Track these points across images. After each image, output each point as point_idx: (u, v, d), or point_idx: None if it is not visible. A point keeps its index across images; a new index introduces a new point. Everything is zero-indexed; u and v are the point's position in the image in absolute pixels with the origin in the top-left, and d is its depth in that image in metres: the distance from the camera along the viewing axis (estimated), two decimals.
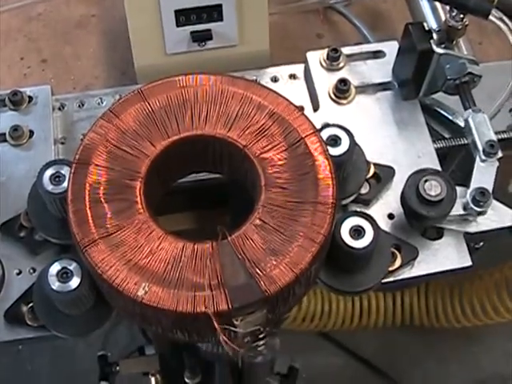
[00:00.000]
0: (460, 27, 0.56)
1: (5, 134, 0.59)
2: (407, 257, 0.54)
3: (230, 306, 0.44)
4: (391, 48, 0.63)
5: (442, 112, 0.63)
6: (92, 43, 0.71)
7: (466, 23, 0.56)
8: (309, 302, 1.48)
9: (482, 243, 0.60)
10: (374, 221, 0.50)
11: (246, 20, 0.61)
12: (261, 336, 0.64)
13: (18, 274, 0.54)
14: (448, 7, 0.56)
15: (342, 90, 0.61)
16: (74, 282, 0.47)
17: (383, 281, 0.54)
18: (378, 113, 0.61)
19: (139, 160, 0.48)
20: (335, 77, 0.62)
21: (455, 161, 0.63)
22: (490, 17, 0.54)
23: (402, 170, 0.57)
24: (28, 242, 0.55)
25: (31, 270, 0.54)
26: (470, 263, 0.55)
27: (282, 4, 0.68)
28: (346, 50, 0.63)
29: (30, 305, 0.52)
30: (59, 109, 0.62)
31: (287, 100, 0.51)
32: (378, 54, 0.64)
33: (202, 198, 0.63)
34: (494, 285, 1.32)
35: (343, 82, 0.61)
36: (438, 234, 0.56)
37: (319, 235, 0.46)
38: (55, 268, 0.48)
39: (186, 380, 0.84)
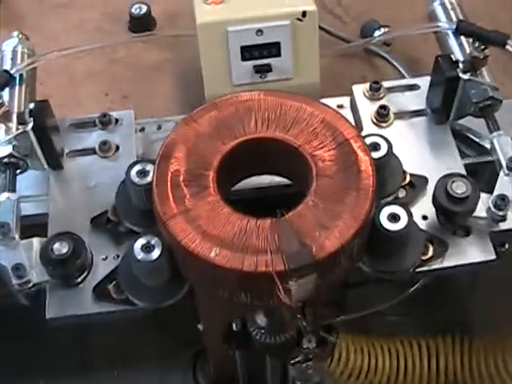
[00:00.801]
0: (482, 57, 0.66)
1: (94, 148, 0.70)
2: (438, 249, 0.63)
3: (286, 267, 0.52)
4: (425, 82, 0.74)
5: (470, 136, 0.72)
6: (166, 83, 0.82)
7: (488, 54, 0.66)
8: (355, 358, 1.54)
9: (507, 246, 0.67)
10: (409, 210, 0.58)
11: (300, 56, 0.72)
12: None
13: (104, 259, 0.64)
14: (471, 40, 0.66)
15: (382, 115, 0.71)
16: (155, 253, 0.56)
17: (418, 270, 0.62)
18: (413, 135, 0.71)
19: (212, 155, 0.59)
20: (376, 105, 0.72)
21: (482, 177, 0.71)
22: (507, 46, 0.65)
23: (434, 180, 0.65)
24: (113, 233, 0.65)
25: (115, 256, 0.64)
26: (494, 257, 0.63)
27: (329, 47, 0.79)
28: (386, 84, 0.74)
29: (115, 282, 0.61)
30: (140, 131, 0.73)
31: (335, 110, 0.61)
32: (413, 87, 0.74)
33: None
34: None
35: (383, 107, 0.71)
36: (466, 232, 0.64)
37: (361, 214, 0.55)
38: (140, 242, 0.57)
39: None
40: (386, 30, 0.82)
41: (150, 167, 0.61)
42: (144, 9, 0.85)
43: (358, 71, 0.81)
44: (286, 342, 0.71)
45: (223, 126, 0.60)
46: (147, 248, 0.57)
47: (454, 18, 0.71)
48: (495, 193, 0.62)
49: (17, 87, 0.67)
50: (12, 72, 0.66)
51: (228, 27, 0.70)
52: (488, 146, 0.71)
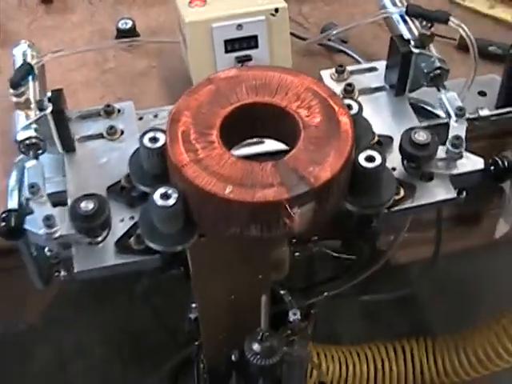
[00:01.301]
0: (429, 34, 0.79)
1: (102, 133, 0.80)
2: (408, 191, 0.74)
3: (290, 196, 0.63)
4: (381, 65, 0.86)
5: (425, 106, 0.85)
6: (154, 85, 0.93)
7: (433, 31, 0.79)
8: (327, 366, 1.63)
9: (464, 194, 0.79)
10: (382, 153, 0.70)
11: (275, 46, 0.84)
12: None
13: (121, 220, 0.73)
14: (419, 20, 0.79)
15: (348, 91, 0.82)
16: (172, 200, 0.66)
17: (393, 209, 0.73)
18: (376, 106, 0.82)
19: (213, 118, 0.69)
20: (342, 85, 0.84)
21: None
22: (450, 22, 0.78)
23: (397, 139, 0.77)
24: (127, 199, 0.74)
25: (131, 218, 0.73)
26: (454, 195, 0.75)
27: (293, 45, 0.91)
28: (349, 68, 0.86)
29: (135, 235, 0.71)
30: (139, 119, 0.83)
31: (310, 76, 0.72)
32: (372, 69, 0.87)
33: None
34: (494, 334, 1.49)
35: (349, 85, 0.83)
36: (430, 177, 0.76)
37: (345, 151, 0.66)
38: (159, 191, 0.66)
39: None
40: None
41: (159, 134, 0.71)
42: (130, 23, 0.96)
43: (320, 66, 0.92)
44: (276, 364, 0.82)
45: (219, 95, 0.71)
46: (165, 196, 0.66)
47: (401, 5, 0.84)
48: (450, 135, 0.74)
49: (34, 78, 0.77)
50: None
51: (212, 24, 0.82)
52: (440, 113, 0.83)
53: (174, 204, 0.66)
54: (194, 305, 1.08)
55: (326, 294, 1.09)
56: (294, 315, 0.99)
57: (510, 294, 1.65)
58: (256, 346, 0.82)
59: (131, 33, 0.96)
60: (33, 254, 0.81)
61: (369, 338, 1.67)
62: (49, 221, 0.68)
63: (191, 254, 0.83)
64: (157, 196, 0.66)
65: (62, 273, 0.88)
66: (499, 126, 0.89)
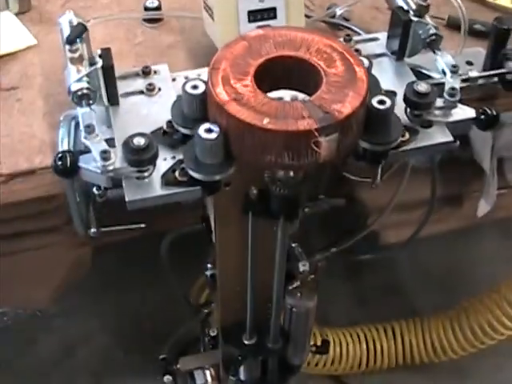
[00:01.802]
0: (426, 5, 0.92)
1: (142, 90, 0.91)
2: (412, 134, 0.86)
3: (318, 126, 0.74)
4: (383, 35, 0.99)
5: (423, 70, 0.97)
6: (181, 56, 1.04)
7: (429, 2, 0.92)
8: None
9: (458, 142, 0.91)
10: (392, 98, 0.82)
11: (291, 17, 0.97)
12: None
13: (164, 159, 0.83)
14: None
15: None
16: (214, 134, 0.77)
17: (400, 149, 0.85)
18: (380, 68, 0.94)
19: (247, 67, 0.80)
20: None
21: None
22: None
23: (400, 94, 0.89)
24: (169, 141, 0.85)
25: (173, 157, 0.84)
26: (452, 138, 0.87)
27: None
28: (355, 38, 0.98)
29: (179, 169, 0.81)
30: (172, 80, 0.95)
31: (327, 35, 0.84)
32: (374, 39, 0.99)
33: None
34: (487, 308, 1.61)
35: (357, 50, 0.95)
36: (429, 124, 0.88)
37: (362, 92, 0.77)
38: (203, 126, 0.77)
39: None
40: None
41: (199, 83, 0.82)
42: (156, 2, 1.08)
43: None
44: (298, 195, 0.87)
45: (251, 49, 0.82)
46: (209, 130, 0.77)
47: None
48: (446, 87, 0.86)
49: (85, 38, 0.88)
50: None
51: None
52: (435, 75, 0.96)
53: (217, 137, 0.77)
54: (209, 265, 1.19)
55: (333, 250, 1.21)
56: (303, 266, 1.11)
57: (491, 276, 1.76)
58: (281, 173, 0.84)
59: (158, 10, 1.07)
60: (77, 199, 0.91)
61: (358, 323, 1.78)
62: (105, 154, 0.79)
63: (215, 202, 0.94)
64: (201, 130, 0.77)
65: (93, 229, 0.99)
66: (484, 92, 1.01)
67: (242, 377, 1.24)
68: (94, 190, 0.85)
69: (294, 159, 0.77)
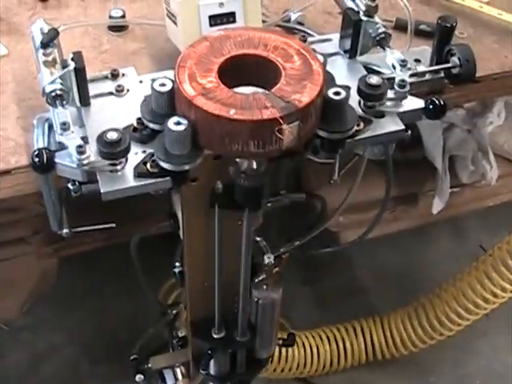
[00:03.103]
0: (374, 5, 0.99)
1: (111, 91, 0.96)
2: (367, 123, 0.92)
3: (281, 114, 0.80)
4: (335, 36, 1.05)
5: (374, 67, 1.04)
6: (145, 61, 1.10)
7: (377, 3, 1.00)
8: (287, 351, 1.77)
9: (409, 132, 0.98)
10: (346, 89, 0.88)
11: (249, 21, 1.03)
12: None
13: (136, 154, 0.88)
14: None
15: None
16: (183, 126, 0.83)
17: (356, 138, 0.91)
18: (334, 66, 1.01)
19: (211, 65, 0.86)
20: None
21: None
22: None
23: (354, 88, 0.96)
24: (140, 137, 0.89)
25: (143, 151, 0.89)
26: (403, 127, 0.94)
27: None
28: (309, 39, 1.05)
29: (150, 161, 0.86)
30: (139, 82, 1.00)
31: (284, 33, 0.91)
32: (327, 40, 1.06)
33: None
34: (444, 302, 1.68)
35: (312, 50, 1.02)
36: (382, 115, 0.95)
37: (319, 83, 0.84)
38: (173, 119, 0.83)
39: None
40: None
41: (166, 81, 0.87)
42: (120, 12, 1.13)
43: None
44: (261, 186, 0.91)
45: (213, 49, 0.88)
46: (177, 123, 0.83)
47: None
48: (396, 80, 0.93)
49: (57, 43, 0.93)
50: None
51: (199, 2, 1.00)
52: (385, 71, 1.03)
53: (185, 129, 0.83)
54: (177, 263, 1.24)
55: (297, 243, 1.26)
56: (268, 258, 1.16)
57: (446, 272, 1.83)
58: (245, 165, 0.89)
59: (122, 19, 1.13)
60: (52, 196, 0.96)
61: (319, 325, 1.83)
62: (81, 148, 0.84)
63: (183, 197, 1.00)
64: (171, 123, 0.83)
65: (65, 230, 1.04)
66: (431, 87, 1.08)
67: (212, 371, 1.28)
68: (69, 185, 0.90)
69: (259, 147, 0.83)
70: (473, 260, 1.68)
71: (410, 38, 1.03)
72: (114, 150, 0.84)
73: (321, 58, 0.92)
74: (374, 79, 0.91)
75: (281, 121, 0.80)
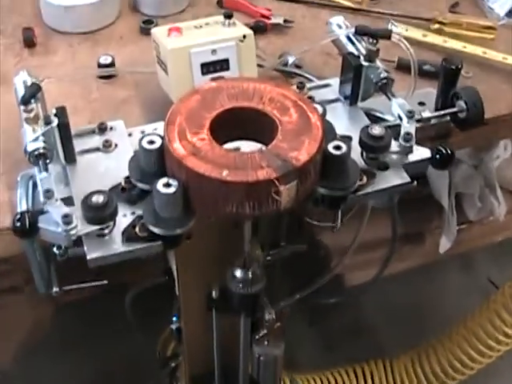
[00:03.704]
0: (375, 50, 0.94)
1: (98, 147, 0.91)
2: (370, 177, 0.87)
3: (278, 175, 0.75)
4: (335, 81, 1.00)
5: (376, 113, 0.99)
6: (136, 111, 1.04)
7: (378, 47, 0.94)
8: None
9: (415, 183, 0.92)
10: (348, 143, 0.83)
11: (243, 68, 0.98)
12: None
13: (124, 216, 0.83)
14: (366, 38, 0.94)
15: None
16: (173, 188, 0.77)
17: (358, 193, 0.85)
18: (334, 114, 0.96)
19: (202, 120, 0.81)
20: None
21: None
22: (392, 38, 0.93)
23: (355, 138, 0.90)
24: (128, 197, 0.84)
25: (132, 213, 0.83)
26: (409, 180, 0.88)
27: None
28: (307, 85, 1.00)
29: (139, 224, 0.81)
30: (129, 135, 0.95)
31: (280, 83, 0.86)
32: (327, 85, 1.01)
33: None
34: (455, 343, 1.61)
35: (310, 97, 0.96)
36: (386, 167, 0.89)
37: (318, 139, 0.78)
38: (162, 181, 0.77)
39: None
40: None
41: (155, 138, 0.82)
42: (109, 59, 1.08)
43: None
44: (258, 294, 0.91)
45: (204, 102, 0.83)
46: (167, 185, 0.77)
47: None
48: (402, 132, 0.88)
49: (40, 97, 0.87)
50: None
51: (190, 50, 0.95)
52: (388, 117, 0.98)
53: (175, 191, 0.77)
54: (174, 318, 1.18)
55: (297, 296, 1.21)
56: (269, 315, 1.10)
57: (455, 309, 1.78)
58: (239, 273, 0.90)
59: (111, 66, 1.08)
60: (37, 259, 0.90)
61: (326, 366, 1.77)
62: (67, 218, 0.78)
63: (178, 255, 0.94)
64: (160, 185, 0.77)
65: (55, 289, 0.98)
66: (437, 131, 1.03)
67: None
68: (55, 249, 0.84)
69: (255, 209, 0.77)
70: (483, 294, 1.62)
71: (414, 83, 0.97)
72: (100, 215, 0.79)
73: (320, 108, 0.87)
74: (376, 130, 0.86)
75: (277, 182, 0.75)
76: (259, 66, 1.08)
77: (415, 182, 0.91)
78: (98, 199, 0.78)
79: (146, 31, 1.16)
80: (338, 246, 1.44)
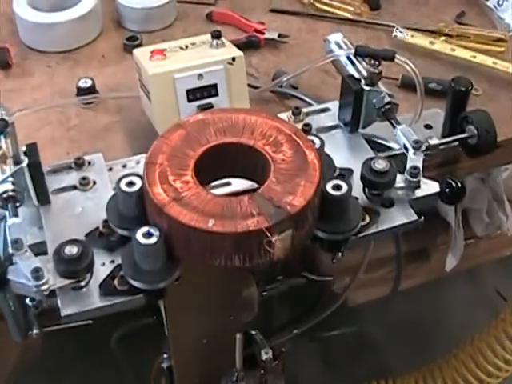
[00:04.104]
0: (378, 72, 0.86)
1: (75, 185, 0.83)
2: (373, 216, 0.79)
3: (270, 224, 0.67)
4: (334, 105, 0.92)
5: (378, 140, 0.90)
6: (118, 139, 0.96)
7: (381, 69, 0.86)
8: None
9: (422, 218, 0.84)
10: (349, 182, 0.75)
11: (233, 93, 0.89)
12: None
13: (102, 265, 0.75)
14: (367, 59, 0.86)
15: (306, 130, 0.87)
16: (154, 238, 0.69)
17: (360, 235, 0.77)
18: (333, 143, 0.88)
19: (187, 160, 0.73)
20: (299, 126, 0.89)
21: None
22: (396, 60, 0.85)
23: (357, 172, 0.82)
24: (106, 244, 0.76)
25: (111, 261, 0.75)
26: (415, 218, 0.80)
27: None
28: (304, 109, 0.91)
29: (119, 275, 0.73)
30: (109, 170, 0.86)
31: (272, 115, 0.77)
32: (325, 110, 0.92)
33: None
34: (461, 363, 1.53)
35: (307, 125, 0.88)
36: (390, 203, 0.81)
37: (315, 179, 0.70)
38: (141, 230, 0.69)
39: None
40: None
41: (135, 178, 0.74)
42: (89, 82, 1.00)
43: (275, 112, 0.96)
44: None
45: (190, 138, 0.75)
46: (147, 235, 0.69)
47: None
48: (408, 166, 0.80)
49: (9, 134, 0.79)
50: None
51: (174, 75, 0.86)
52: (392, 145, 0.89)
53: (156, 242, 0.69)
54: (165, 355, 1.10)
55: (296, 331, 1.13)
56: (266, 354, 1.02)
57: (463, 322, 1.70)
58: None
59: (91, 91, 1.00)
60: (11, 307, 0.82)
61: None
62: (37, 272, 0.70)
63: (166, 298, 0.86)
64: (139, 235, 0.69)
65: (35, 331, 0.90)
66: (445, 156, 0.95)
67: None
68: (28, 301, 0.76)
69: (245, 261, 0.69)
70: (490, 306, 1.54)
71: (420, 109, 0.89)
72: (74, 268, 0.71)
73: (317, 141, 0.79)
74: (380, 164, 0.78)
75: (269, 234, 0.67)
76: (252, 86, 1.00)
77: (422, 218, 0.83)
78: (72, 250, 0.70)
79: (129, 49, 1.08)
80: (340, 267, 1.36)
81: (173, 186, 0.70)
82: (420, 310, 1.91)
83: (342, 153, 0.87)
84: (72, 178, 0.84)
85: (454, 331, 1.71)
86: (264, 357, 1.02)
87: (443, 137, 0.91)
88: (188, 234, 0.68)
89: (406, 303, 1.86)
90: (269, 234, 0.66)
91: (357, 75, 0.88)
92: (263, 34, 1.12)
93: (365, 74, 0.87)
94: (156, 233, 0.69)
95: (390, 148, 0.90)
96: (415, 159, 0.81)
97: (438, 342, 1.77)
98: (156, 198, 0.69)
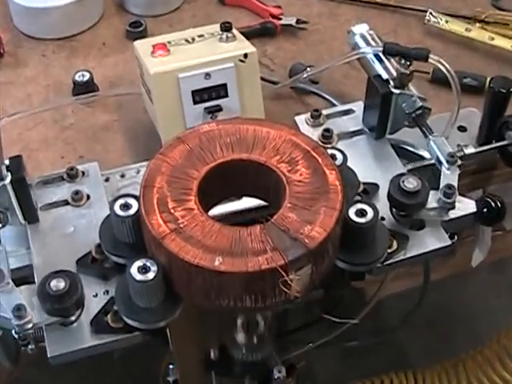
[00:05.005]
0: (409, 73, 0.75)
1: (66, 199, 0.74)
2: (401, 242, 0.69)
3: (286, 261, 0.57)
4: (358, 106, 0.82)
5: (407, 147, 0.81)
6: (117, 140, 0.87)
7: (412, 70, 0.76)
8: None
9: (456, 238, 0.75)
10: (374, 205, 0.65)
11: (245, 94, 0.79)
12: None
13: (95, 296, 0.67)
14: (397, 59, 0.76)
15: (326, 137, 0.78)
16: (151, 274, 0.60)
17: (386, 262, 0.68)
18: (357, 151, 0.78)
19: (190, 182, 0.64)
20: (319, 130, 0.79)
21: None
22: (430, 60, 0.74)
23: (383, 185, 0.73)
24: (100, 271, 0.68)
25: (105, 292, 0.67)
26: (449, 242, 0.70)
27: (263, 90, 0.84)
28: (324, 111, 0.82)
29: (113, 311, 0.64)
30: (105, 181, 0.78)
31: (288, 125, 0.68)
32: (348, 112, 0.83)
33: None
34: (486, 361, 1.45)
35: (327, 130, 0.78)
36: (421, 225, 0.71)
37: (336, 204, 0.61)
38: (136, 264, 0.61)
39: None
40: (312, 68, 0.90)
41: (131, 200, 0.65)
42: (87, 76, 0.90)
43: (293, 110, 0.88)
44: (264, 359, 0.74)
45: (193, 156, 0.66)
46: (143, 269, 0.60)
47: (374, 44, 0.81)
48: (442, 184, 0.70)
49: None
50: None
51: (179, 74, 0.76)
52: (423, 153, 0.80)
53: (154, 277, 0.60)
54: (171, 366, 1.02)
55: (310, 344, 1.05)
56: (278, 372, 0.94)
57: (487, 321, 1.62)
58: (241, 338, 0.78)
59: (89, 85, 0.90)
60: None
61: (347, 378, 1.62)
62: (19, 311, 0.62)
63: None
64: (134, 270, 0.61)
65: (30, 346, 0.82)
66: (481, 163, 0.86)
67: None
68: (14, 334, 0.68)
69: (257, 302, 0.61)
70: None
71: (456, 112, 0.79)
72: (61, 306, 0.62)
73: (339, 157, 0.69)
74: (410, 183, 0.68)
75: (284, 273, 0.57)
76: (266, 80, 0.90)
77: (456, 238, 0.74)
78: (58, 285, 0.62)
79: (132, 35, 0.98)
80: None
81: (173, 215, 0.61)
82: (441, 298, 1.82)
83: (367, 163, 0.77)
84: (63, 191, 0.75)
85: (478, 325, 1.63)
86: (276, 375, 0.94)
87: (479, 144, 0.81)
88: (191, 273, 0.59)
89: (428, 295, 1.77)
90: (284, 274, 0.57)
91: (385, 76, 0.77)
92: (279, 19, 1.01)
93: (394, 74, 0.77)
94: (153, 267, 0.61)
95: (419, 156, 0.80)
96: (450, 176, 0.71)
97: (460, 333, 1.70)
98: (154, 229, 0.60)
